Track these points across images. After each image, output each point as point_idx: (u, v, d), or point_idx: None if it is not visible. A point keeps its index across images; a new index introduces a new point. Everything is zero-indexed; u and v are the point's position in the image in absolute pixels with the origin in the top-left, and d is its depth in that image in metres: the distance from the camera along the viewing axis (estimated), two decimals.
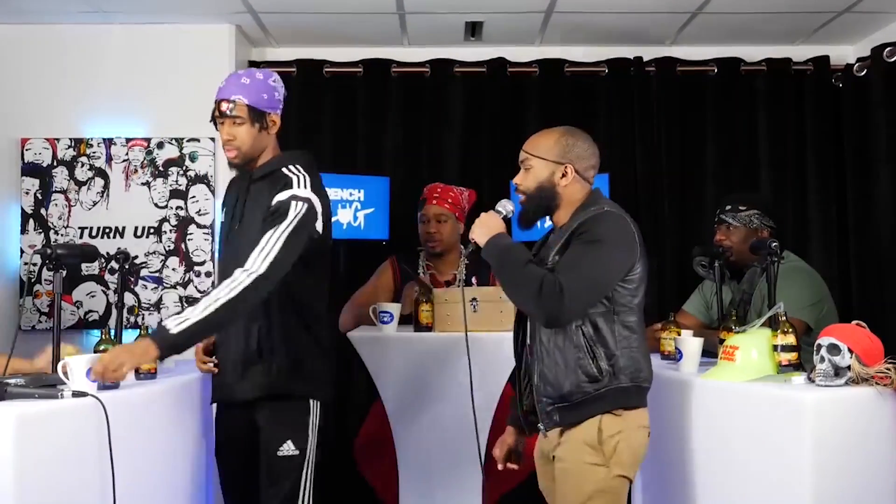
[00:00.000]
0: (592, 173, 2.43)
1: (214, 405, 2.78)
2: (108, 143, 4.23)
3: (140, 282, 4.19)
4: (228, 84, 2.60)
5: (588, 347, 2.26)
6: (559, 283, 2.16)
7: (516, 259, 2.28)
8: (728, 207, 3.36)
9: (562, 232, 2.35)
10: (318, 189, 2.55)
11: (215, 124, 2.61)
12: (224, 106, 2.57)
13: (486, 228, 2.36)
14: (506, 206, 2.46)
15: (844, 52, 4.55)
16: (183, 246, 4.22)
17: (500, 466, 2.59)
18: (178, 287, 4.21)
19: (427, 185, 3.82)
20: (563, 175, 2.35)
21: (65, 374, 2.32)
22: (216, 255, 2.51)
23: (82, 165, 4.22)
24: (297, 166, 2.56)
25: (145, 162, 4.23)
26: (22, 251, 4.19)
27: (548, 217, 2.44)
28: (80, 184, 4.22)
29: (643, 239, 2.35)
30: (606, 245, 2.23)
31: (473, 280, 3.55)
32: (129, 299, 4.11)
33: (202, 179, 4.23)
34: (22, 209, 4.20)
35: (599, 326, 2.27)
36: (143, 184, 4.23)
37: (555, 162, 2.36)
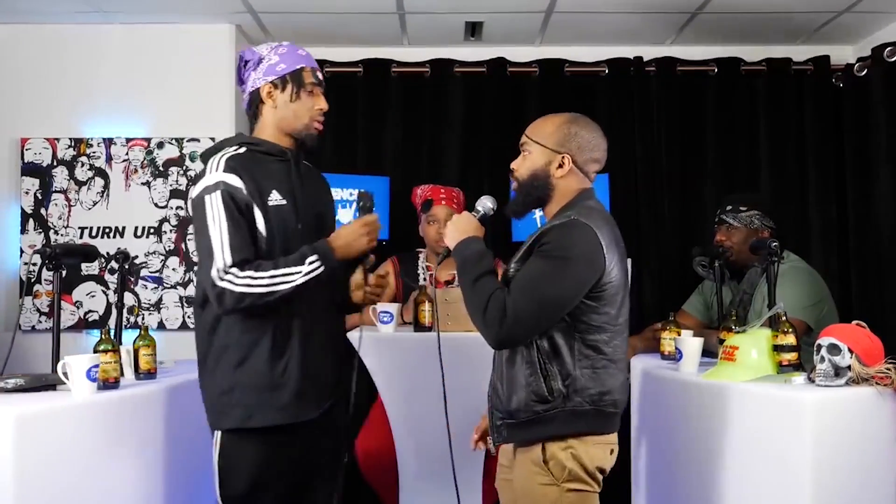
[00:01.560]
0: (594, 168, 2.25)
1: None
2: (108, 142, 4.23)
3: (140, 282, 4.19)
4: (307, 53, 2.44)
5: (541, 364, 2.08)
6: (505, 306, 2.02)
7: (472, 272, 2.12)
8: (729, 208, 3.36)
9: (531, 236, 2.19)
10: None
11: (297, 91, 2.36)
12: (321, 74, 2.44)
13: (457, 232, 2.21)
14: (485, 204, 2.30)
15: (844, 52, 4.55)
16: (183, 246, 4.22)
17: (472, 446, 2.43)
18: (178, 287, 4.21)
19: (420, 186, 3.82)
20: (560, 165, 2.18)
21: (65, 374, 2.32)
22: (278, 236, 2.29)
23: (82, 165, 4.22)
24: None
25: (145, 162, 4.23)
26: (22, 251, 4.19)
27: (539, 209, 2.28)
28: (80, 184, 4.22)
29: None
30: (566, 262, 2.04)
31: None
32: (129, 299, 4.11)
33: None
34: (22, 209, 4.20)
35: (557, 343, 2.08)
36: (143, 184, 4.23)
37: (552, 150, 2.19)
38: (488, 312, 2.04)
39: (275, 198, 2.31)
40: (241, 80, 2.43)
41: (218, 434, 2.33)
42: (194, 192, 2.30)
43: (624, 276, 2.15)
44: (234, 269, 2.18)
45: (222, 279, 2.18)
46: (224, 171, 2.26)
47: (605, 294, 2.09)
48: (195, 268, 4.21)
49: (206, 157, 2.37)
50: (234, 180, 2.25)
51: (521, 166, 2.25)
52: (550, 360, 2.09)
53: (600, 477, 2.15)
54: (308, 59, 2.41)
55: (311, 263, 2.22)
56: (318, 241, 2.29)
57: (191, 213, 2.32)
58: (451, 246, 2.22)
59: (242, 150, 2.34)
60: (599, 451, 2.13)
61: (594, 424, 2.10)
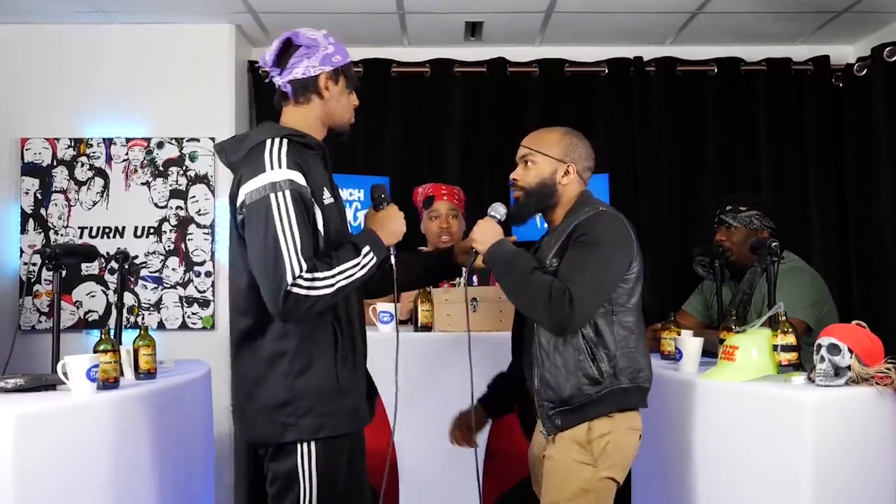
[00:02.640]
0: (589, 175, 2.45)
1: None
2: (108, 142, 4.23)
3: (140, 282, 4.19)
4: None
5: (589, 349, 2.24)
6: (567, 291, 2.15)
7: (522, 267, 2.26)
8: (728, 208, 3.37)
9: (557, 233, 2.34)
10: None
11: (350, 84, 2.31)
12: None
13: (486, 235, 2.35)
14: (498, 210, 2.43)
15: (844, 52, 4.55)
16: (183, 246, 4.22)
17: (455, 444, 2.62)
18: (177, 287, 4.21)
19: (421, 185, 3.83)
20: (566, 174, 2.37)
21: (65, 374, 2.32)
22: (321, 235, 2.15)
23: (82, 165, 4.22)
24: None
25: (145, 162, 4.23)
26: (22, 251, 4.19)
27: (540, 215, 2.45)
28: (79, 184, 4.22)
29: (639, 237, 2.35)
30: (606, 247, 2.23)
31: (475, 279, 3.55)
32: (128, 299, 4.11)
33: (202, 179, 4.23)
34: (22, 209, 4.20)
35: (600, 328, 2.25)
36: (142, 184, 4.23)
37: (558, 160, 2.37)
38: (553, 300, 2.15)
39: (327, 195, 2.19)
40: (277, 62, 2.24)
41: (312, 444, 2.15)
42: (253, 186, 2.07)
43: (642, 263, 2.33)
44: (304, 275, 2.02)
45: (295, 285, 2.00)
46: (289, 167, 2.08)
47: (632, 277, 2.29)
48: (195, 268, 4.21)
49: (237, 147, 2.20)
50: (300, 178, 2.09)
51: (526, 175, 2.40)
52: (596, 344, 2.25)
53: (626, 473, 2.31)
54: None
55: (365, 255, 2.13)
56: (363, 232, 2.21)
57: (246, 210, 2.09)
58: (482, 250, 2.34)
59: (286, 142, 2.14)
60: (633, 438, 2.31)
61: (635, 400, 2.31)
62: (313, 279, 2.03)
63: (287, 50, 2.24)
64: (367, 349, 2.37)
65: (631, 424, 2.30)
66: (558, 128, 2.44)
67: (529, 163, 2.39)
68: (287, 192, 2.06)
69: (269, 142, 2.13)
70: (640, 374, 2.29)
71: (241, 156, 2.18)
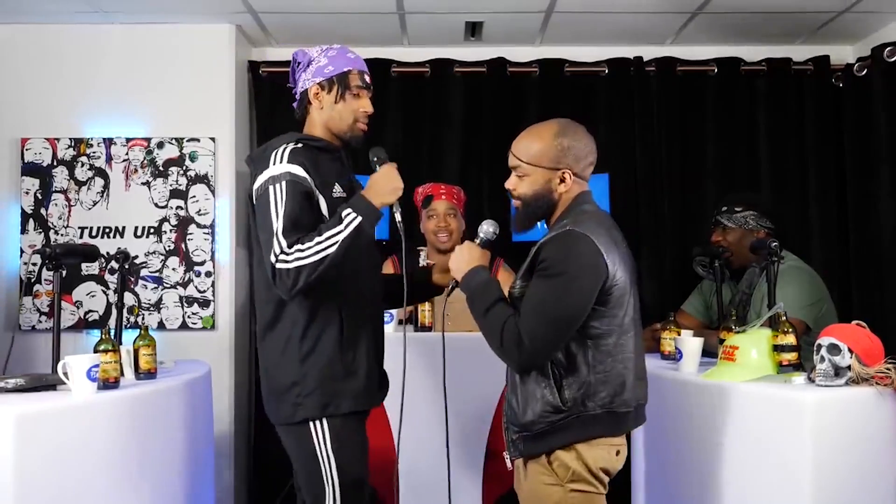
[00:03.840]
0: (590, 170, 2.26)
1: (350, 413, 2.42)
2: (108, 142, 4.23)
3: (140, 282, 4.19)
4: (357, 56, 2.51)
5: (556, 375, 2.10)
6: (518, 333, 2.04)
7: (480, 304, 2.16)
8: (724, 208, 3.38)
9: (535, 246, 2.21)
10: None
11: (342, 93, 2.43)
12: (368, 78, 2.51)
13: (460, 263, 2.25)
14: (486, 230, 2.35)
15: (844, 52, 4.55)
16: (183, 246, 4.22)
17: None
18: (178, 287, 4.21)
19: (421, 185, 3.83)
20: (562, 181, 2.18)
21: (65, 374, 2.32)
22: None
23: (82, 165, 4.22)
24: None
25: (145, 162, 4.23)
26: (22, 251, 4.19)
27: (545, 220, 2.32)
28: (80, 184, 4.22)
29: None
30: (567, 277, 2.04)
31: None
32: (129, 299, 4.11)
33: (202, 179, 4.23)
34: (22, 209, 4.20)
35: (572, 353, 2.10)
36: (143, 184, 4.23)
37: (551, 168, 2.18)
38: (505, 342, 2.08)
39: (337, 190, 2.38)
40: (293, 81, 2.52)
41: (323, 422, 2.33)
42: (258, 183, 2.31)
43: (629, 275, 2.16)
44: (286, 249, 2.20)
45: (277, 261, 2.19)
46: (289, 162, 2.29)
47: (613, 297, 2.10)
48: (195, 268, 4.21)
49: (260, 155, 2.39)
50: (300, 171, 2.29)
51: (520, 186, 2.23)
52: (565, 370, 2.11)
53: (605, 479, 2.17)
54: (356, 62, 2.47)
55: (347, 216, 2.25)
56: (351, 199, 2.34)
57: (254, 205, 2.34)
58: (457, 278, 2.27)
59: (300, 145, 2.37)
60: (603, 451, 2.14)
61: (606, 428, 2.13)
62: (294, 251, 2.19)
63: (296, 67, 2.50)
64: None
65: (600, 443, 2.13)
66: (547, 128, 2.23)
67: (521, 175, 2.21)
68: (283, 183, 2.26)
69: (282, 146, 2.34)
70: (616, 398, 2.11)
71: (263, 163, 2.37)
